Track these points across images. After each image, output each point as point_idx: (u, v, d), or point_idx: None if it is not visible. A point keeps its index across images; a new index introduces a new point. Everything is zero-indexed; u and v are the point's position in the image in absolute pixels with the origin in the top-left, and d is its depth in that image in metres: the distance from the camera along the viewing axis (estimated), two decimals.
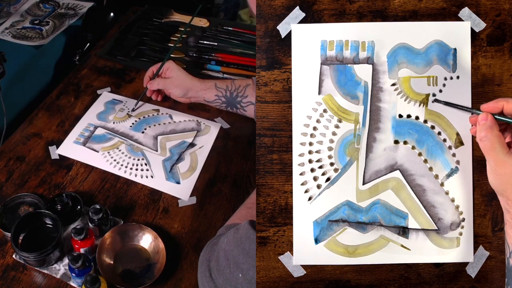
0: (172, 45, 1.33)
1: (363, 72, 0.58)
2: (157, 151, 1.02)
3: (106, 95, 1.16)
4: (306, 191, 0.58)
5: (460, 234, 0.60)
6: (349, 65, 0.58)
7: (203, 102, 1.11)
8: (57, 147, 1.02)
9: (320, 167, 0.59)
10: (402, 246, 0.59)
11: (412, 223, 0.59)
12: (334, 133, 0.58)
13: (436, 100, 0.58)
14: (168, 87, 1.09)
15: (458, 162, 0.59)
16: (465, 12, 0.58)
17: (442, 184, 0.59)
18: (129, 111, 1.11)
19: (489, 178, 0.53)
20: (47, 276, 0.80)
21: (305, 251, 0.59)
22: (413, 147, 0.59)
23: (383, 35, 0.58)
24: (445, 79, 0.58)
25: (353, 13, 0.57)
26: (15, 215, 0.86)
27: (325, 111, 0.58)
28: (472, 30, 0.58)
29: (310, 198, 0.58)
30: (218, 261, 0.63)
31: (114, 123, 1.08)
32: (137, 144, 1.03)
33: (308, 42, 0.57)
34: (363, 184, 0.59)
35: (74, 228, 0.79)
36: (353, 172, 0.59)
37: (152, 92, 1.12)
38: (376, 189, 0.59)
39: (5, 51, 1.02)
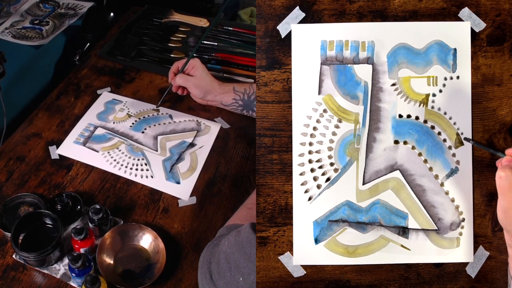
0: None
1: (363, 72, 0.58)
2: (157, 151, 1.02)
3: (106, 95, 1.16)
4: (306, 191, 0.58)
5: (460, 234, 0.60)
6: (349, 65, 0.58)
7: (219, 106, 1.10)
8: (57, 147, 1.02)
9: (320, 167, 0.59)
10: (402, 246, 0.59)
11: (412, 223, 0.59)
12: (334, 133, 0.58)
13: (465, 139, 0.58)
14: (189, 85, 1.07)
15: (458, 162, 0.59)
16: (465, 12, 0.58)
17: (442, 184, 0.59)
18: (129, 111, 1.11)
19: (498, 213, 0.53)
20: (47, 276, 0.80)
21: (305, 251, 0.59)
22: (413, 147, 0.59)
23: (383, 35, 0.58)
24: (445, 79, 0.58)
25: (353, 13, 0.57)
26: (15, 215, 0.86)
27: (325, 111, 0.58)
28: (472, 30, 0.58)
29: (310, 198, 0.58)
30: (219, 264, 0.63)
31: (114, 123, 1.08)
32: (137, 144, 1.03)
33: (308, 42, 0.57)
34: (363, 184, 0.59)
35: (74, 228, 0.79)
36: (353, 172, 0.59)
37: (177, 88, 1.09)
38: (376, 189, 0.59)
39: (5, 51, 1.02)
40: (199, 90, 1.06)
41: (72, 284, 0.79)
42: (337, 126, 0.58)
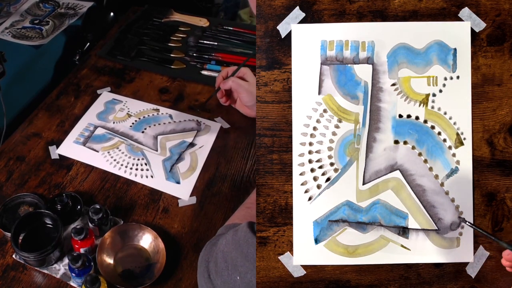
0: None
1: (363, 72, 0.58)
2: (157, 151, 1.02)
3: (106, 95, 1.16)
4: (306, 191, 0.58)
5: (460, 234, 0.60)
6: (349, 65, 0.58)
7: None
8: (57, 147, 1.02)
9: (320, 167, 0.59)
10: (402, 246, 0.59)
11: (412, 223, 0.59)
12: (334, 133, 0.58)
13: (463, 220, 0.59)
14: (240, 89, 1.04)
15: (458, 162, 0.59)
16: (465, 12, 0.58)
17: (442, 184, 0.59)
18: (129, 111, 1.11)
19: None
20: (47, 276, 0.80)
21: (305, 251, 0.59)
22: (413, 147, 0.59)
23: (383, 35, 0.58)
24: (445, 79, 0.58)
25: (353, 13, 0.57)
26: (15, 215, 0.86)
27: (325, 111, 0.58)
28: (472, 30, 0.58)
29: (310, 198, 0.58)
30: (216, 263, 0.63)
31: (114, 123, 1.08)
32: (137, 144, 1.03)
33: (308, 42, 0.57)
34: (363, 184, 0.59)
35: (74, 228, 0.79)
36: (353, 172, 0.59)
37: (223, 94, 1.07)
38: (376, 189, 0.59)
39: (5, 51, 1.02)
40: (251, 96, 1.03)
41: (72, 284, 0.79)
42: (337, 126, 0.58)
